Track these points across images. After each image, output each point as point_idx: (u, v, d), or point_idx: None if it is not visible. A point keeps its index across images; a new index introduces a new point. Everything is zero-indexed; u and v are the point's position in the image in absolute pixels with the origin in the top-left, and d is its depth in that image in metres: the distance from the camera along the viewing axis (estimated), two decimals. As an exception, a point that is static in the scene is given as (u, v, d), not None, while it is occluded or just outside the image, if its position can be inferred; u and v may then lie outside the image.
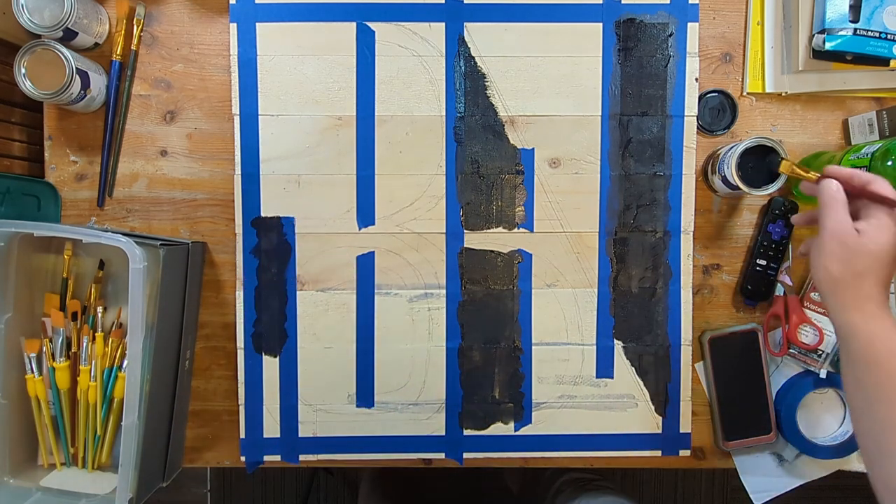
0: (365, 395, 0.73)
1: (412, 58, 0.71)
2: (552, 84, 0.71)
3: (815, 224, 0.58)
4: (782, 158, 0.63)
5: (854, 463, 0.74)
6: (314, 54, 0.71)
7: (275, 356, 0.72)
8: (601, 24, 0.71)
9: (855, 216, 0.55)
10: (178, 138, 0.72)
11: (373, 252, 0.72)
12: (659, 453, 0.74)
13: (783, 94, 0.73)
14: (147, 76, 0.72)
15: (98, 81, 0.69)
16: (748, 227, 0.74)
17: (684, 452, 0.74)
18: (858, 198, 0.55)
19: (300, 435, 0.73)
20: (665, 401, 0.73)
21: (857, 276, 0.53)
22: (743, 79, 0.73)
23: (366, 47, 0.71)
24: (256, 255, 0.72)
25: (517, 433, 0.73)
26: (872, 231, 0.53)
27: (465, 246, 0.72)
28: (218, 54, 0.72)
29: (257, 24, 0.70)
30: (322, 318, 0.72)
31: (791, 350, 0.73)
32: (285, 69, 0.71)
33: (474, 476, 0.73)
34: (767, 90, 0.73)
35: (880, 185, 0.55)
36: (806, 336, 0.72)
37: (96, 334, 0.68)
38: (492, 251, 0.73)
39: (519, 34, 0.71)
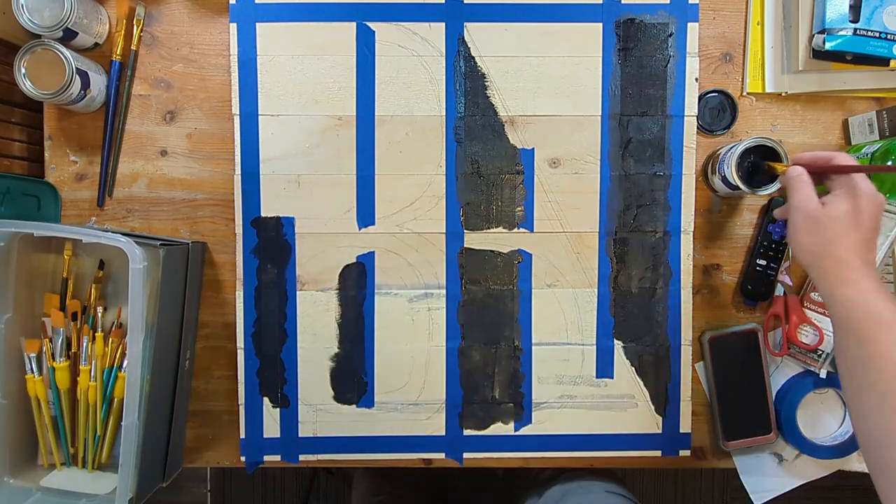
0: (365, 396, 0.73)
1: (412, 58, 0.71)
2: (552, 84, 0.71)
3: None
4: (769, 165, 0.65)
5: (854, 463, 0.74)
6: (314, 54, 0.71)
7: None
8: (601, 24, 0.71)
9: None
10: (178, 138, 0.72)
11: (373, 252, 0.72)
12: (659, 453, 0.74)
13: (783, 94, 0.73)
14: (147, 76, 0.72)
15: (98, 81, 0.69)
16: (748, 227, 0.74)
17: (684, 452, 0.74)
18: (826, 175, 0.57)
19: (300, 435, 0.73)
20: (665, 401, 0.73)
21: (827, 244, 0.54)
22: (743, 79, 0.73)
23: (366, 47, 0.71)
24: (256, 255, 0.72)
25: (517, 433, 0.73)
26: (834, 200, 0.55)
27: (465, 246, 0.72)
28: (218, 54, 0.72)
29: (257, 24, 0.70)
30: (322, 318, 0.72)
31: (791, 350, 0.73)
32: (285, 69, 0.71)
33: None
34: (767, 90, 0.73)
35: (841, 158, 0.57)
36: (806, 336, 0.72)
37: (96, 334, 0.68)
38: (492, 251, 0.73)
39: (519, 34, 0.71)
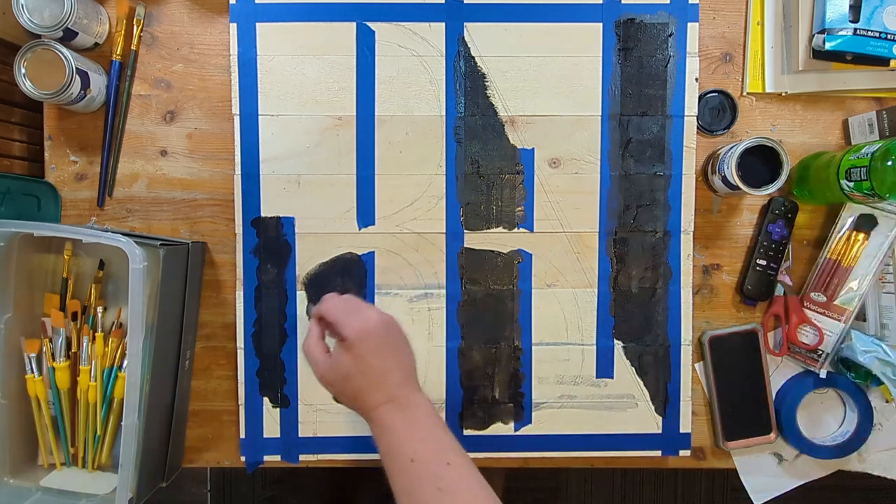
0: (365, 395, 0.73)
1: (412, 58, 0.71)
2: (552, 84, 0.71)
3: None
4: None
5: (854, 463, 0.74)
6: (314, 54, 0.71)
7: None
8: (601, 24, 0.71)
9: None
10: (178, 138, 0.72)
11: (373, 252, 0.72)
12: (659, 453, 0.74)
13: (783, 94, 0.73)
14: (147, 76, 0.72)
15: (98, 81, 0.69)
16: (748, 227, 0.74)
17: (684, 452, 0.74)
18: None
19: (300, 435, 0.73)
20: (665, 401, 0.73)
21: (356, 399, 0.54)
22: (743, 79, 0.73)
23: (366, 47, 0.71)
24: (256, 255, 0.72)
25: (517, 433, 0.73)
26: (335, 354, 0.55)
27: (465, 246, 0.72)
28: (218, 54, 0.72)
29: (257, 24, 0.70)
30: (322, 318, 0.72)
31: (791, 350, 0.73)
32: (285, 69, 0.71)
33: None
34: (767, 90, 0.73)
35: (324, 306, 0.56)
36: (806, 336, 0.72)
37: (96, 334, 0.68)
38: (492, 251, 0.73)
39: (519, 34, 0.71)
